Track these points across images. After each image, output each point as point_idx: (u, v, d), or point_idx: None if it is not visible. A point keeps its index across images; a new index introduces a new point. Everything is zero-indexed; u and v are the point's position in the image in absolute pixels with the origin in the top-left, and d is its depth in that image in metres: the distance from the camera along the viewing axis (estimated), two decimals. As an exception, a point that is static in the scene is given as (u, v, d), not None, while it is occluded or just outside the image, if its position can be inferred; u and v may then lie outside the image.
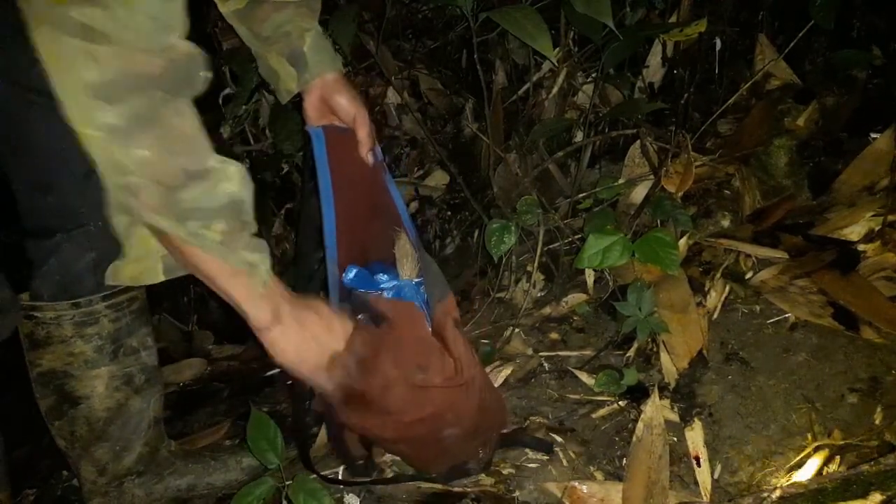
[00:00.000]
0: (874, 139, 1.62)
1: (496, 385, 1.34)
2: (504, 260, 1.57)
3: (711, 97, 1.85)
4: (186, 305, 2.21)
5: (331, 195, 1.07)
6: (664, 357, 1.29)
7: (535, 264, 1.52)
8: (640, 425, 1.12)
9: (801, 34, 1.69)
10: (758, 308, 1.35)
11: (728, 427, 1.17)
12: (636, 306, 1.28)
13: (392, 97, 2.05)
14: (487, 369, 1.37)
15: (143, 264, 0.92)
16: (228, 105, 2.00)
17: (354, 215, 1.10)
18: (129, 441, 1.15)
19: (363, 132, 1.12)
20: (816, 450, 1.12)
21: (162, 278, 0.93)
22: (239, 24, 1.10)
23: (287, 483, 1.07)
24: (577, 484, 1.08)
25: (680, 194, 1.47)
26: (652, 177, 1.53)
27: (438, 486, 1.10)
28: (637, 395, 1.24)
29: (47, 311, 1.06)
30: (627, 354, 1.35)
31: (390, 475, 1.14)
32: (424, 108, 2.12)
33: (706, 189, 1.61)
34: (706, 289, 1.38)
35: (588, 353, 1.39)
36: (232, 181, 0.78)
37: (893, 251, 1.37)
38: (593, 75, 1.80)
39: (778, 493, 0.98)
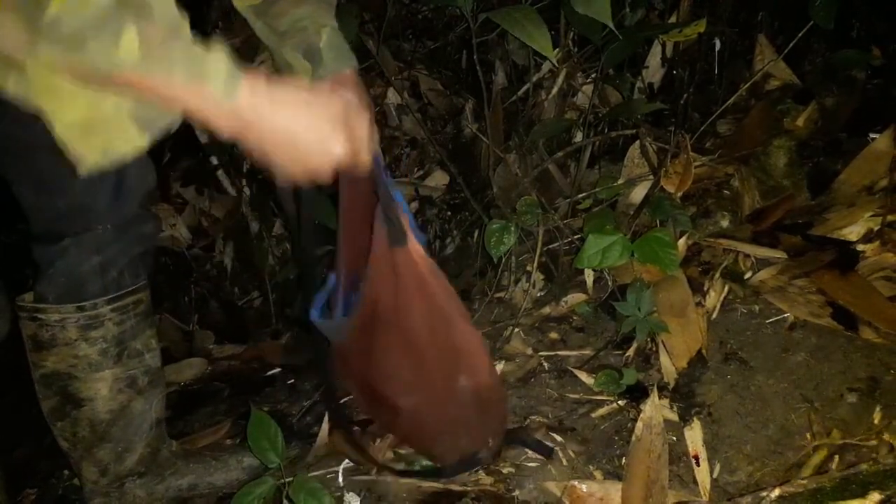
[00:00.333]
0: (873, 139, 1.62)
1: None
2: (504, 260, 1.58)
3: (711, 97, 1.85)
4: (187, 305, 2.22)
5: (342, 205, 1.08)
6: (663, 357, 1.29)
7: (535, 264, 1.52)
8: (639, 425, 1.12)
9: (800, 34, 1.69)
10: (757, 308, 1.35)
11: (727, 426, 1.18)
12: (635, 306, 1.28)
13: (392, 97, 2.05)
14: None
15: (104, 131, 0.77)
16: (229, 105, 2.00)
17: (354, 225, 1.10)
18: (131, 442, 1.15)
19: (362, 130, 1.09)
20: (815, 449, 1.13)
21: (143, 140, 0.79)
22: (255, 19, 1.08)
23: (287, 482, 1.07)
24: (576, 483, 1.08)
25: (679, 194, 1.47)
26: (651, 177, 1.54)
27: (438, 485, 1.11)
28: (636, 394, 1.25)
29: (52, 313, 1.06)
30: (627, 354, 1.35)
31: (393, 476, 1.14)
32: (424, 108, 2.12)
33: (705, 189, 1.61)
34: (705, 289, 1.38)
35: (587, 352, 1.40)
36: None
37: (892, 251, 1.38)
38: (593, 76, 1.81)
39: (777, 492, 0.99)
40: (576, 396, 1.30)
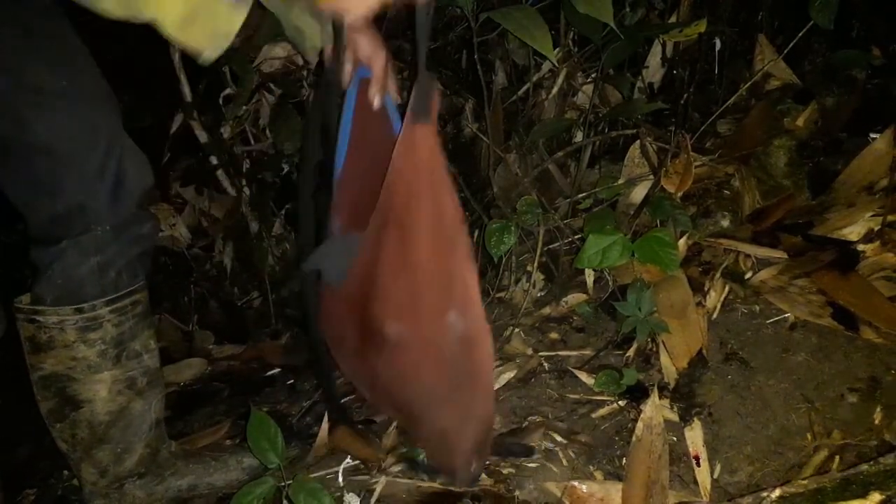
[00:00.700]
0: (873, 139, 1.62)
1: (496, 386, 1.34)
2: (504, 260, 1.57)
3: (711, 97, 1.85)
4: (187, 305, 2.21)
5: (346, 144, 1.05)
6: (664, 357, 1.29)
7: (535, 264, 1.52)
8: (639, 425, 1.12)
9: (800, 34, 1.69)
10: (757, 308, 1.35)
11: (727, 427, 1.18)
12: (636, 306, 1.28)
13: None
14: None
15: (204, 21, 0.81)
16: (229, 105, 2.01)
17: (360, 169, 1.07)
18: (130, 443, 1.15)
19: (378, 68, 1.08)
20: (816, 449, 1.12)
21: (235, 21, 0.83)
22: None
23: (287, 483, 1.07)
24: (576, 483, 1.08)
25: (679, 194, 1.47)
26: (651, 177, 1.54)
27: (438, 486, 1.10)
28: (637, 394, 1.25)
29: (50, 315, 1.05)
30: (627, 354, 1.35)
31: (393, 476, 1.14)
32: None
33: (706, 189, 1.61)
34: (706, 289, 1.38)
35: (588, 352, 1.39)
36: None
37: (892, 251, 1.37)
38: (593, 75, 1.80)
39: (777, 492, 0.98)
40: (576, 397, 1.30)
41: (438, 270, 0.94)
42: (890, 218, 1.41)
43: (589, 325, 1.48)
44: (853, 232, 1.44)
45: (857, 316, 1.28)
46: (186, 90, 2.04)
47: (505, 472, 1.12)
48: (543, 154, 1.74)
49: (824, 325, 1.29)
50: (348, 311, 1.06)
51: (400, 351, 0.98)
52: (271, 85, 1.99)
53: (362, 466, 1.17)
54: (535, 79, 1.79)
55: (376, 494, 1.11)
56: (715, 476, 1.11)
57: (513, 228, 1.42)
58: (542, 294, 1.61)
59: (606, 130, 1.76)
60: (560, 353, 1.42)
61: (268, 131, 2.08)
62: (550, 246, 1.59)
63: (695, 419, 1.17)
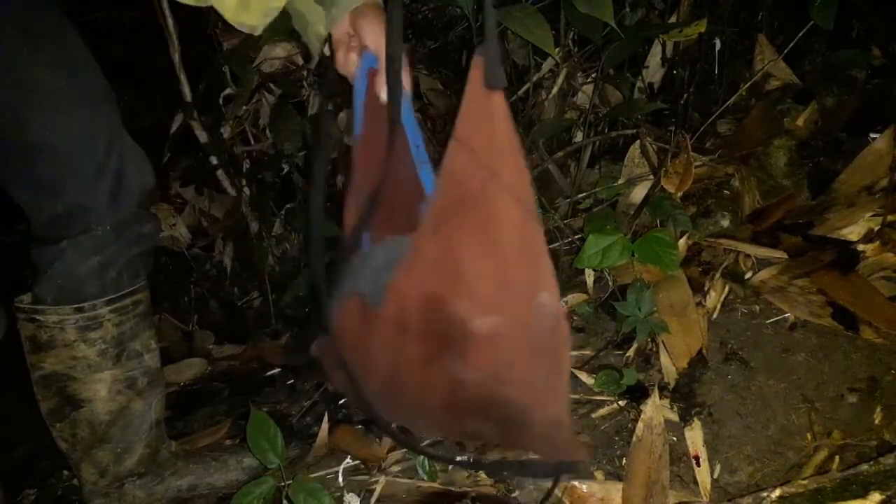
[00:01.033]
0: (873, 139, 1.62)
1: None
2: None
3: (711, 97, 1.85)
4: (187, 305, 2.21)
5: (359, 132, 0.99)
6: (664, 357, 1.29)
7: (535, 264, 1.52)
8: (639, 425, 1.12)
9: (800, 34, 1.69)
10: (757, 308, 1.35)
11: (728, 427, 1.18)
12: (636, 306, 1.28)
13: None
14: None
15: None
16: (229, 105, 2.01)
17: (374, 169, 0.99)
18: (130, 443, 1.15)
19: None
20: (816, 450, 1.12)
21: None
22: None
23: (287, 483, 1.07)
24: (577, 483, 1.08)
25: (679, 194, 1.47)
26: (651, 177, 1.54)
27: (438, 486, 1.11)
28: (637, 394, 1.25)
29: (50, 314, 1.05)
30: (627, 354, 1.35)
31: (393, 476, 1.14)
32: (424, 108, 2.12)
33: (706, 189, 1.61)
34: (706, 289, 1.38)
35: (588, 352, 1.39)
36: None
37: (892, 251, 1.37)
38: (593, 75, 1.80)
39: (777, 492, 0.98)
40: (576, 397, 1.30)
41: (525, 248, 0.83)
42: (890, 218, 1.41)
43: (589, 324, 1.48)
44: (853, 232, 1.44)
45: (857, 316, 1.28)
46: (186, 90, 2.04)
47: (505, 472, 1.12)
48: (543, 154, 1.74)
49: (824, 325, 1.29)
50: (395, 333, 0.92)
51: (493, 348, 0.86)
52: (271, 85, 1.99)
53: (362, 466, 1.17)
54: (535, 79, 1.79)
55: (376, 494, 1.11)
56: (715, 476, 1.11)
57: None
58: (542, 294, 1.61)
59: (606, 130, 1.76)
60: (560, 353, 1.42)
61: (268, 131, 2.07)
62: (550, 246, 1.59)
63: (695, 419, 1.17)
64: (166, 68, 1.98)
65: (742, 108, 1.83)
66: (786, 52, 1.78)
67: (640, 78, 1.90)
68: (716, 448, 1.15)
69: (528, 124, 1.74)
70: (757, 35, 1.89)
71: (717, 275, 1.40)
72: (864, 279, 1.33)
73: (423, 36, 2.16)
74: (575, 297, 1.54)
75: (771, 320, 1.32)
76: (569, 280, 1.59)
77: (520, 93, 1.86)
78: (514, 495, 1.08)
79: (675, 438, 1.15)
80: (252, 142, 2.14)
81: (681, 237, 1.46)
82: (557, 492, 1.08)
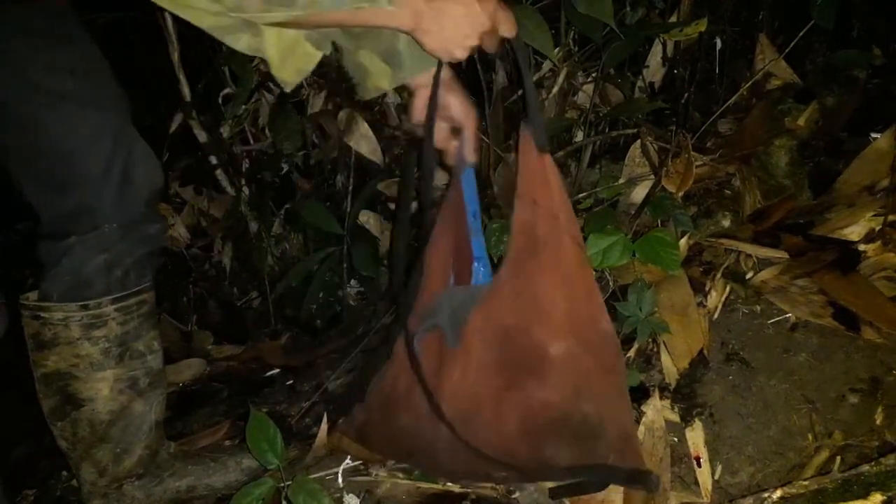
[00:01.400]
0: (874, 139, 1.61)
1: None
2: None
3: (712, 97, 1.85)
4: (186, 305, 2.21)
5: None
6: (665, 357, 1.28)
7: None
8: (640, 427, 1.12)
9: (801, 34, 1.69)
10: (758, 308, 1.35)
11: (729, 427, 1.17)
12: (636, 306, 1.27)
13: (392, 97, 2.05)
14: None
15: (295, 54, 0.92)
16: (228, 104, 2.00)
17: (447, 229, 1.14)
18: (129, 443, 1.15)
19: (469, 129, 1.12)
20: (817, 450, 1.12)
21: (317, 57, 0.93)
22: None
23: (287, 483, 1.07)
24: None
25: (680, 194, 1.46)
26: (652, 176, 1.53)
27: (438, 487, 1.10)
28: (638, 395, 1.24)
29: (55, 311, 1.06)
30: (628, 355, 1.34)
31: (393, 477, 1.13)
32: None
33: (707, 189, 1.61)
34: (707, 289, 1.38)
35: (588, 353, 1.39)
36: None
37: (894, 251, 1.37)
38: (593, 75, 1.80)
39: (778, 493, 0.98)
40: (576, 397, 1.29)
41: (584, 281, 1.02)
42: (891, 218, 1.41)
43: (589, 325, 1.48)
44: (854, 232, 1.44)
45: (859, 316, 1.28)
46: (186, 90, 2.03)
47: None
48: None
49: (825, 326, 1.28)
50: (473, 367, 1.03)
51: (570, 367, 1.00)
52: (270, 84, 1.99)
53: (362, 467, 1.17)
54: (535, 78, 1.79)
55: (376, 495, 1.10)
56: (716, 477, 1.11)
57: (513, 228, 1.42)
58: (543, 294, 1.60)
59: (607, 130, 1.75)
60: (560, 353, 1.41)
61: (267, 131, 2.07)
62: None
63: (696, 420, 1.17)
64: (166, 68, 1.98)
65: (743, 107, 1.83)
66: (787, 51, 1.78)
67: (640, 77, 1.89)
68: (717, 449, 1.14)
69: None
70: (758, 34, 1.88)
71: (718, 275, 1.39)
72: (865, 279, 1.33)
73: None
74: (575, 298, 1.54)
75: (772, 320, 1.32)
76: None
77: (520, 92, 1.85)
78: (514, 496, 1.08)
79: (675, 439, 1.15)
80: (251, 141, 2.14)
81: (682, 237, 1.45)
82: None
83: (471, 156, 1.13)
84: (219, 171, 2.17)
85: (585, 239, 1.33)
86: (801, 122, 1.75)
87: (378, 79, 1.06)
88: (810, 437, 1.14)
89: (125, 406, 1.13)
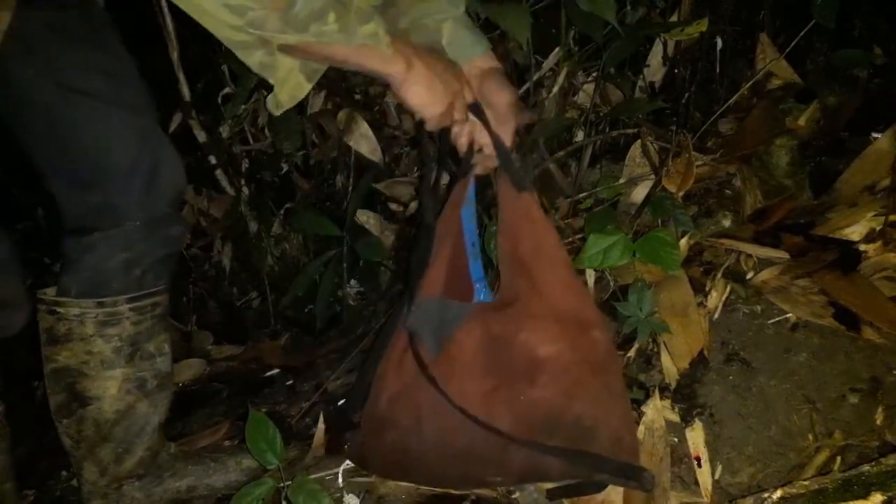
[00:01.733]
0: (875, 139, 1.61)
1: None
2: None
3: (712, 96, 1.85)
4: (186, 305, 2.21)
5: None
6: (665, 357, 1.28)
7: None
8: (641, 427, 1.12)
9: (802, 33, 1.68)
10: (759, 308, 1.35)
11: (729, 427, 1.17)
12: (637, 306, 1.27)
13: (392, 97, 2.05)
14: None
15: (290, 83, 0.96)
16: (227, 104, 2.00)
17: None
18: (131, 444, 1.15)
19: (508, 127, 1.18)
20: (817, 450, 1.12)
21: (308, 86, 0.97)
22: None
23: (286, 483, 1.07)
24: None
25: (681, 194, 1.46)
26: (653, 176, 1.53)
27: (438, 488, 1.10)
28: (638, 395, 1.24)
29: (72, 307, 1.08)
30: (628, 355, 1.34)
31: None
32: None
33: (707, 189, 1.60)
34: (707, 289, 1.37)
35: (588, 353, 1.39)
36: None
37: (894, 251, 1.37)
38: (594, 74, 1.80)
39: (779, 493, 0.98)
40: (576, 397, 1.29)
41: (571, 300, 1.09)
42: (892, 218, 1.40)
43: (589, 325, 1.47)
44: (855, 232, 1.44)
45: (859, 316, 1.27)
46: (185, 89, 2.03)
47: (505, 473, 1.11)
48: (544, 154, 1.73)
49: (826, 326, 1.28)
50: (453, 374, 1.06)
51: (560, 368, 1.04)
52: (271, 84, 1.99)
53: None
54: (535, 78, 1.78)
55: (376, 495, 1.10)
56: (716, 477, 1.11)
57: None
58: (543, 294, 1.60)
59: (607, 130, 1.75)
60: (560, 353, 1.41)
61: (267, 131, 2.07)
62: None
63: (696, 420, 1.17)
64: (165, 68, 1.98)
65: (744, 107, 1.82)
66: (787, 51, 1.77)
67: (641, 77, 1.89)
68: (717, 449, 1.14)
69: (529, 123, 1.74)
70: (758, 34, 1.88)
71: (719, 275, 1.39)
72: (866, 279, 1.33)
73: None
74: (575, 298, 1.54)
75: (772, 320, 1.32)
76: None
77: (520, 92, 1.85)
78: (514, 496, 1.07)
79: (676, 439, 1.15)
80: (251, 141, 2.14)
81: (682, 237, 1.45)
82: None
83: (489, 162, 1.19)
84: (218, 171, 2.17)
85: (585, 239, 1.33)
86: (801, 121, 1.75)
87: None
88: (810, 437, 1.14)
89: (131, 406, 1.14)
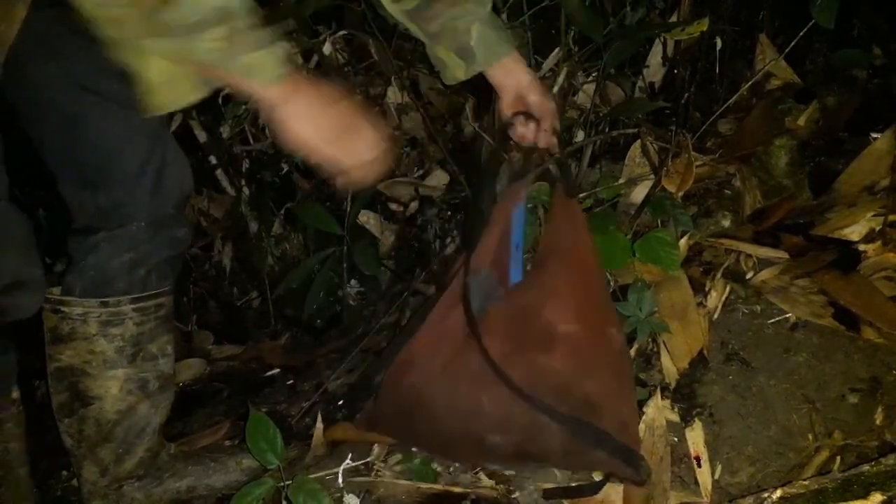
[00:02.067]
0: (875, 139, 1.61)
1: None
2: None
3: (712, 97, 1.85)
4: (186, 305, 2.21)
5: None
6: (665, 357, 1.28)
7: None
8: (641, 426, 1.12)
9: (801, 34, 1.68)
10: (758, 308, 1.35)
11: (728, 427, 1.17)
12: (637, 306, 1.27)
13: (392, 96, 2.05)
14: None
15: (170, 89, 0.91)
16: (228, 105, 2.00)
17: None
18: (132, 444, 1.16)
19: (548, 122, 1.20)
20: (817, 450, 1.12)
21: (192, 97, 0.92)
22: (408, 22, 1.14)
23: (287, 483, 1.07)
24: (581, 481, 1.08)
25: (680, 194, 1.46)
26: (652, 176, 1.53)
27: (438, 487, 1.10)
28: (638, 395, 1.24)
29: (75, 306, 1.08)
30: (628, 355, 1.35)
31: (393, 477, 1.14)
32: (425, 107, 2.12)
33: (707, 189, 1.60)
34: (707, 289, 1.37)
35: (588, 353, 1.39)
36: None
37: (894, 251, 1.37)
38: (594, 75, 1.80)
39: (778, 493, 0.98)
40: (576, 397, 1.29)
41: (597, 295, 1.18)
42: (891, 218, 1.40)
43: (589, 325, 1.48)
44: (854, 232, 1.44)
45: (859, 316, 1.27)
46: (186, 89, 2.03)
47: (506, 473, 1.12)
48: (544, 154, 1.73)
49: (825, 326, 1.28)
50: (488, 336, 1.11)
51: (576, 346, 1.10)
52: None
53: (362, 467, 1.17)
54: (535, 78, 1.78)
55: (376, 495, 1.10)
56: (716, 477, 1.11)
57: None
58: (543, 294, 1.60)
59: (607, 130, 1.75)
60: (560, 353, 1.41)
61: (267, 131, 2.07)
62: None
63: (696, 420, 1.17)
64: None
65: (743, 107, 1.82)
66: (787, 51, 1.77)
67: (640, 77, 1.89)
68: (717, 449, 1.14)
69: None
70: (758, 34, 1.88)
71: (718, 275, 1.39)
72: (865, 279, 1.33)
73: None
74: (575, 298, 1.54)
75: (772, 320, 1.32)
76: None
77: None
78: (514, 496, 1.08)
79: (675, 439, 1.15)
80: (251, 141, 2.14)
81: (682, 237, 1.45)
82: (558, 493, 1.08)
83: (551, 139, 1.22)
84: (219, 171, 2.17)
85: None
86: (801, 121, 1.75)
87: (455, 70, 1.15)
88: (810, 437, 1.14)
89: (132, 406, 1.14)
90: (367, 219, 1.99)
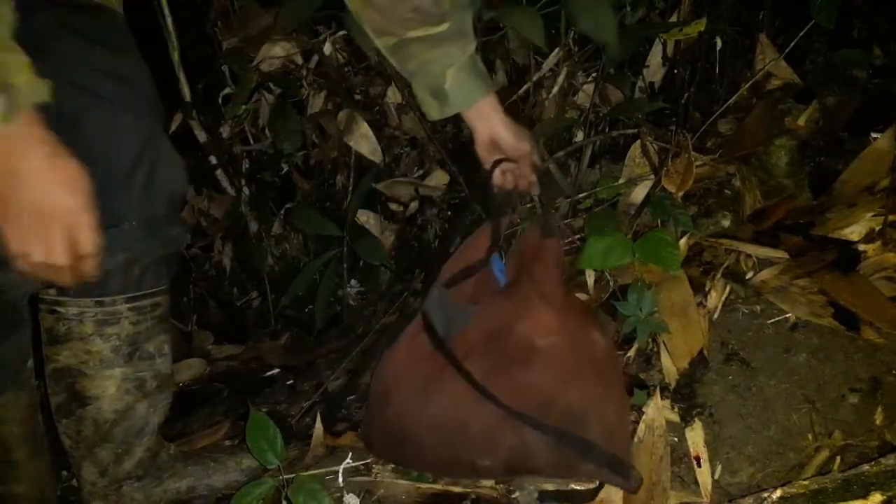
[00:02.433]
0: (875, 139, 1.61)
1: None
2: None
3: (712, 97, 1.85)
4: (186, 305, 2.21)
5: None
6: (664, 357, 1.28)
7: (536, 264, 1.51)
8: (641, 426, 1.12)
9: (801, 34, 1.69)
10: (758, 308, 1.35)
11: (728, 427, 1.17)
12: (636, 306, 1.27)
13: (392, 96, 2.05)
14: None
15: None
16: (228, 104, 2.01)
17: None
18: (130, 445, 1.16)
19: (525, 165, 1.23)
20: (817, 450, 1.12)
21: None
22: (390, 57, 1.15)
23: (287, 483, 1.07)
24: (577, 485, 1.08)
25: (680, 194, 1.46)
26: (652, 176, 1.53)
27: (438, 487, 1.10)
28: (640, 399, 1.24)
29: (71, 307, 1.08)
30: (628, 355, 1.34)
31: (393, 477, 1.13)
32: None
33: (707, 189, 1.60)
34: (707, 289, 1.37)
35: (588, 353, 1.39)
36: None
37: (894, 251, 1.37)
38: (594, 75, 1.80)
39: (778, 493, 0.98)
40: (576, 397, 1.29)
41: (576, 301, 1.25)
42: (891, 218, 1.40)
43: (589, 325, 1.48)
44: (854, 232, 1.44)
45: (859, 316, 1.27)
46: (185, 89, 2.03)
47: (505, 473, 1.12)
48: (544, 153, 1.74)
49: (825, 326, 1.28)
50: (461, 358, 1.10)
51: (556, 357, 1.08)
52: (270, 84, 1.99)
53: (362, 468, 1.17)
54: (535, 78, 1.79)
55: (376, 495, 1.10)
56: (716, 477, 1.11)
57: (513, 228, 1.42)
58: (543, 294, 1.60)
59: (607, 130, 1.76)
60: (560, 353, 1.41)
61: (267, 131, 2.07)
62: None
63: (696, 420, 1.17)
64: (165, 68, 1.98)
65: (743, 107, 1.82)
66: (787, 51, 1.78)
67: (640, 77, 1.89)
68: (717, 449, 1.14)
69: (529, 124, 1.74)
70: (758, 34, 1.88)
71: (718, 275, 1.39)
72: (865, 279, 1.33)
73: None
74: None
75: (772, 320, 1.32)
76: (569, 280, 1.58)
77: (520, 92, 1.86)
78: (514, 496, 1.08)
79: (675, 439, 1.15)
80: (251, 141, 2.14)
81: (682, 237, 1.45)
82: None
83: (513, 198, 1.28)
84: (219, 171, 2.17)
85: (585, 239, 1.33)
86: (801, 121, 1.75)
87: (430, 109, 1.18)
88: (810, 437, 1.14)
89: (130, 406, 1.14)
90: (367, 219, 2.00)
